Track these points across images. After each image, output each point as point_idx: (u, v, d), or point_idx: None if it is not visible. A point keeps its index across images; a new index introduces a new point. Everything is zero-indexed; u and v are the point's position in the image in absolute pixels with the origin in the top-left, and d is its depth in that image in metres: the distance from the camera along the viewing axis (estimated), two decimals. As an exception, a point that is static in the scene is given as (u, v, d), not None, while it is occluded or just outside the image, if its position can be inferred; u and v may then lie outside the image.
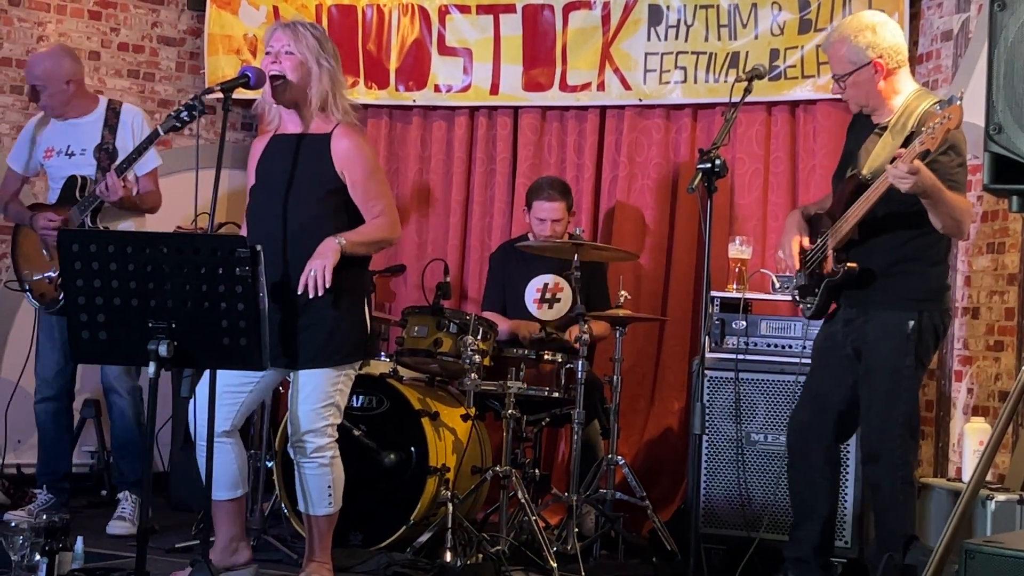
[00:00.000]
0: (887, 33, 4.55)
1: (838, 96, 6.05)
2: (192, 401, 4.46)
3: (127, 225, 5.84)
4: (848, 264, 4.54)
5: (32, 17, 6.91)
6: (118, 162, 5.61)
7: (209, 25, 7.27)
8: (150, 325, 3.70)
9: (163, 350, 3.68)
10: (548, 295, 6.11)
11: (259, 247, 3.70)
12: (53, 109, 5.86)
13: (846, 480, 5.37)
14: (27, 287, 5.85)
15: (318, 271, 4.32)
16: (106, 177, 5.54)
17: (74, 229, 5.47)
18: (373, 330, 4.72)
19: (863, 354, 4.57)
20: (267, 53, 4.54)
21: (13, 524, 4.24)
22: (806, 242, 4.74)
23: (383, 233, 4.60)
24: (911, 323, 4.47)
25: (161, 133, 5.20)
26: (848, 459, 5.37)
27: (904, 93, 4.57)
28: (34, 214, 5.80)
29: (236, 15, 7.26)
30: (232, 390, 4.48)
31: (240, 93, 4.54)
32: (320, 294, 4.34)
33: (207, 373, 4.20)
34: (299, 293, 4.35)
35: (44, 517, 4.32)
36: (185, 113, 4.50)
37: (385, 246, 4.91)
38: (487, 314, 6.18)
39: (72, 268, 3.72)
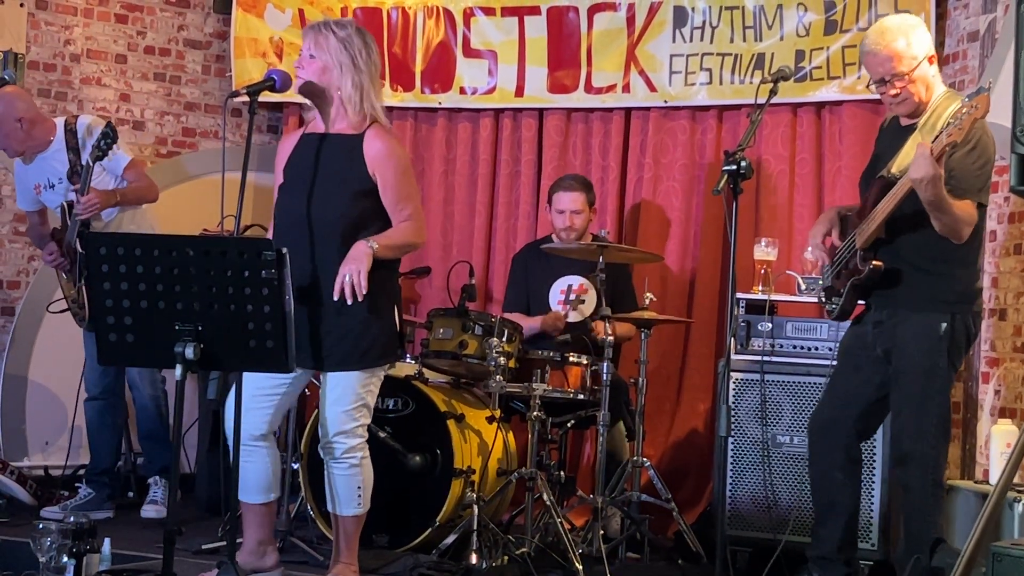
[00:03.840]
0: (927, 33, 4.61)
1: (864, 97, 6.10)
2: (227, 405, 4.46)
3: (118, 219, 5.95)
4: (873, 262, 4.52)
5: (59, 21, 6.95)
6: (75, 186, 5.73)
7: (235, 28, 7.29)
8: (176, 328, 3.71)
9: (190, 352, 3.68)
10: (573, 296, 6.13)
11: (284, 250, 3.71)
12: (14, 150, 5.98)
13: (872, 481, 5.35)
14: (67, 308, 6.08)
15: (354, 275, 4.32)
16: (76, 205, 5.70)
17: (100, 232, 5.53)
18: (400, 331, 4.72)
19: (894, 356, 4.56)
20: (303, 55, 4.56)
21: (42, 526, 4.26)
22: (835, 238, 4.72)
23: (412, 237, 4.59)
24: (943, 325, 4.46)
25: (91, 164, 5.33)
26: (875, 460, 5.35)
27: (936, 94, 4.56)
28: (46, 246, 6.04)
29: (262, 18, 7.28)
30: (266, 393, 4.49)
31: (266, 96, 4.56)
32: (359, 299, 4.34)
33: (241, 376, 4.22)
34: (335, 299, 4.35)
35: (72, 519, 4.34)
36: (103, 142, 4.58)
37: (413, 250, 4.90)
38: (508, 315, 6.19)
39: (99, 271, 3.73)
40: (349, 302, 4.33)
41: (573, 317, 6.12)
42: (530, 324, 6.05)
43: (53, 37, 6.94)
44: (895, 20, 4.65)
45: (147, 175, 6.05)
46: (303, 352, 4.33)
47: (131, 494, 6.52)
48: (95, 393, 6.03)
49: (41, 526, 4.30)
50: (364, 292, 4.33)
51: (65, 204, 5.87)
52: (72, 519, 4.33)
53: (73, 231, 5.80)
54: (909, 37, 4.50)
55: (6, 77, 5.95)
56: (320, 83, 4.49)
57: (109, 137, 4.97)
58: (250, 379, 4.27)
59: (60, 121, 6.01)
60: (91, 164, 5.12)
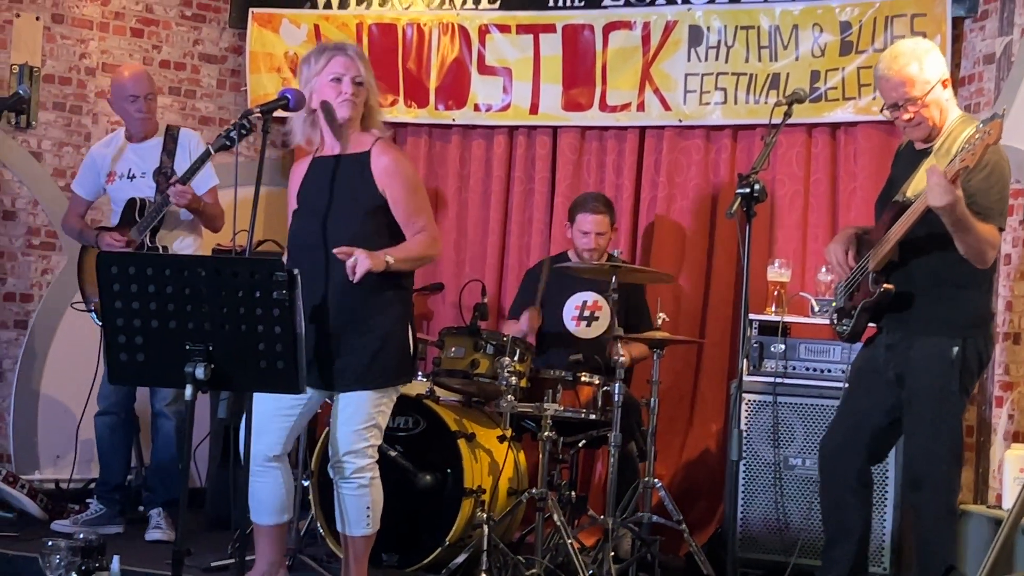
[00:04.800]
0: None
1: (879, 119, 6.07)
2: (241, 425, 4.45)
3: (186, 243, 6.02)
4: (884, 285, 4.50)
5: (75, 35, 6.96)
6: (179, 175, 5.76)
7: (250, 43, 7.31)
8: (187, 347, 3.69)
9: (200, 373, 3.67)
10: (587, 312, 6.11)
11: (296, 271, 3.70)
12: (139, 127, 6.07)
13: (884, 505, 5.34)
14: (91, 307, 5.99)
15: (359, 262, 4.28)
16: (169, 189, 5.72)
17: (114, 251, 5.54)
18: (414, 351, 4.70)
19: (906, 380, 4.53)
20: (334, 79, 4.51)
21: (51, 543, 4.25)
22: (851, 258, 4.70)
23: (425, 249, 4.58)
24: (955, 349, 4.44)
25: (212, 152, 5.26)
26: (887, 484, 5.33)
27: (950, 118, 4.54)
28: (100, 234, 5.96)
29: (277, 33, 7.29)
30: (281, 414, 4.48)
31: (280, 111, 4.55)
32: (352, 280, 4.30)
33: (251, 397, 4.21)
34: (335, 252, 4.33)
35: (81, 535, 4.33)
36: (234, 132, 4.53)
37: (427, 262, 4.88)
38: (508, 322, 6.18)
39: (111, 290, 3.72)
40: (350, 277, 4.30)
41: (587, 333, 6.10)
42: (519, 328, 6.02)
43: (69, 51, 6.95)
44: (908, 45, 4.62)
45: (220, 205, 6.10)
46: (314, 372, 4.32)
47: (141, 508, 6.51)
48: (106, 407, 6.01)
49: (50, 543, 4.28)
50: (356, 280, 4.29)
51: (138, 200, 5.91)
52: (81, 535, 4.34)
53: (145, 228, 5.85)
54: (922, 61, 4.48)
55: (21, 92, 5.96)
56: (360, 108, 4.54)
57: (245, 129, 4.80)
58: (265, 400, 4.25)
59: (162, 124, 6.15)
60: (212, 153, 5.11)
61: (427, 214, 4.63)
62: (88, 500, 6.11)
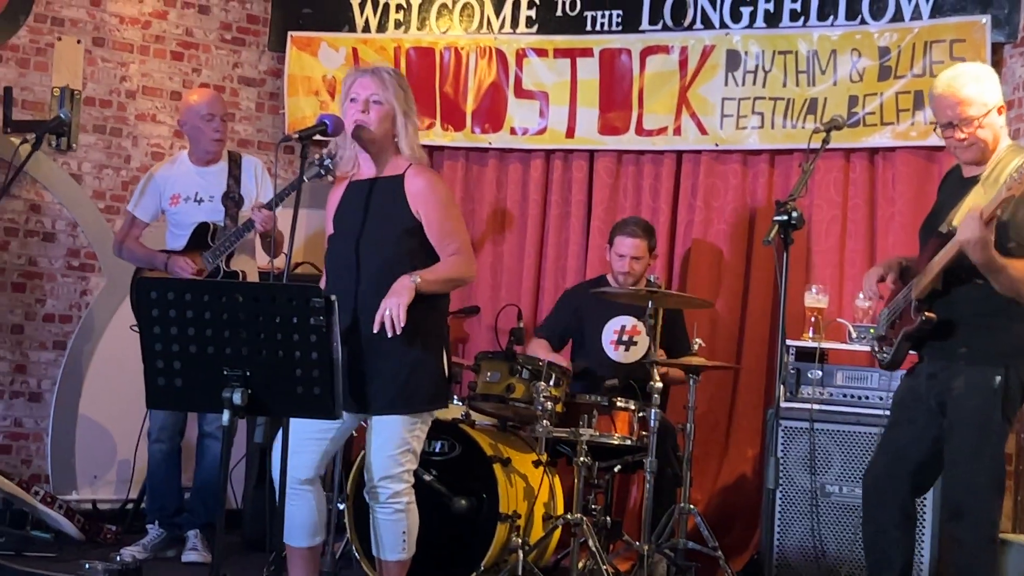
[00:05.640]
0: None
1: (918, 144, 6.05)
2: (274, 448, 4.46)
3: (250, 266, 6.08)
4: (926, 314, 4.48)
5: (115, 58, 7.02)
6: (268, 199, 5.79)
7: (289, 66, 7.36)
8: (225, 373, 3.70)
9: (237, 398, 3.67)
10: (626, 337, 6.10)
11: (333, 297, 3.71)
12: (213, 146, 6.12)
13: (923, 536, 5.29)
14: None
15: (392, 309, 4.28)
16: (253, 212, 5.77)
17: (156, 277, 5.57)
18: (449, 375, 4.69)
19: (948, 409, 4.49)
20: (351, 100, 4.51)
21: (88, 566, 4.28)
22: (891, 281, 4.68)
23: (458, 271, 4.56)
24: (998, 379, 4.40)
25: (305, 180, 5.28)
26: (925, 513, 5.29)
27: (1001, 146, 4.51)
28: (170, 257, 5.98)
29: (316, 57, 7.34)
30: (315, 437, 4.47)
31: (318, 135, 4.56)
32: (397, 333, 4.28)
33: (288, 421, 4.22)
34: (374, 332, 4.32)
35: (119, 559, 4.36)
36: (328, 161, 4.58)
37: (460, 285, 4.87)
38: (537, 341, 6.17)
39: (150, 315, 3.73)
40: (389, 334, 4.29)
41: (625, 358, 6.09)
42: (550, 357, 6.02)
43: (109, 74, 7.01)
44: (970, 66, 4.62)
45: None
46: (349, 396, 4.32)
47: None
48: (163, 436, 6.04)
49: (87, 565, 4.32)
50: (402, 325, 4.28)
51: (211, 225, 5.97)
52: (118, 558, 4.37)
53: (220, 254, 5.91)
54: (982, 84, 4.46)
55: (62, 115, 6.00)
56: (379, 128, 4.50)
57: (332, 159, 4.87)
58: (299, 423, 4.26)
59: (225, 150, 6.21)
60: (305, 181, 5.16)
61: (461, 236, 4.61)
62: (148, 526, 6.07)
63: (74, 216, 6.88)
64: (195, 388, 3.76)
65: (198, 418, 6.02)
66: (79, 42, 6.89)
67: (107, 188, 6.98)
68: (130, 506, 6.58)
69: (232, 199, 5.99)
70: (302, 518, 4.52)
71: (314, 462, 4.53)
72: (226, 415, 3.70)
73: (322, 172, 4.57)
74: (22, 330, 6.75)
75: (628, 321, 6.12)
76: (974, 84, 4.46)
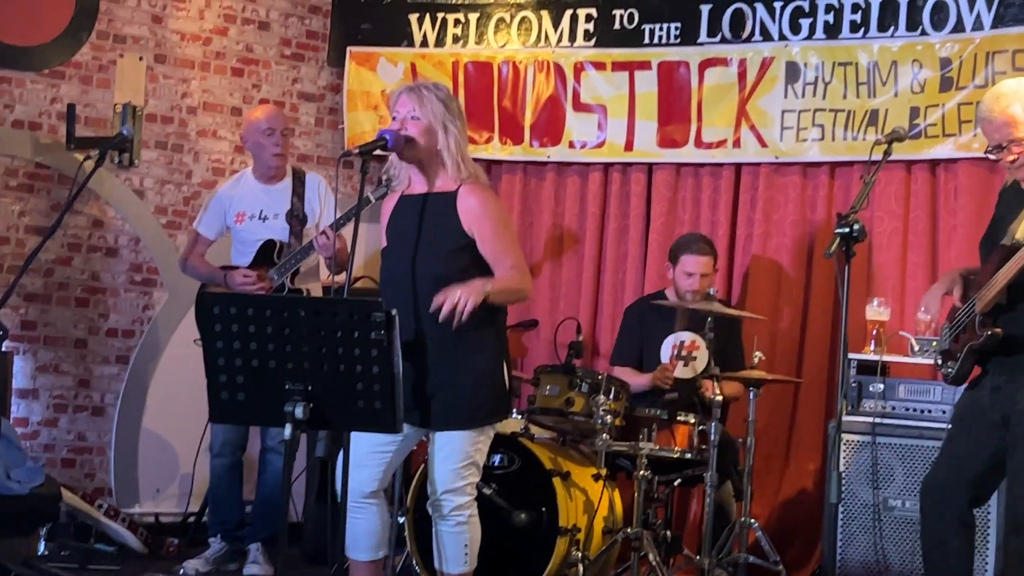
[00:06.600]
0: None
1: (980, 155, 5.98)
2: (338, 462, 4.47)
3: (313, 283, 6.12)
4: (993, 329, 4.43)
5: (177, 74, 7.09)
6: (333, 221, 5.79)
7: (348, 81, 7.40)
8: (287, 387, 3.72)
9: (299, 412, 3.70)
10: (684, 352, 6.07)
11: (394, 311, 3.72)
12: (278, 161, 6.16)
13: (986, 549, 5.24)
14: None
15: (463, 300, 4.23)
16: (317, 235, 5.81)
17: (214, 292, 5.60)
18: (509, 389, 4.69)
19: (1012, 422, 4.45)
20: (393, 118, 4.54)
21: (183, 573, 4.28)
22: (957, 298, 4.64)
23: (520, 284, 4.55)
24: None
25: (372, 200, 5.30)
26: (988, 527, 5.24)
27: None
28: (227, 273, 6.03)
29: (374, 71, 7.38)
30: (379, 450, 4.48)
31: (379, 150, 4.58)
32: (463, 320, 4.23)
33: (349, 435, 4.23)
34: (430, 311, 4.29)
35: (181, 572, 4.39)
36: (396, 182, 4.61)
37: (520, 298, 4.87)
38: (619, 370, 6.15)
39: (212, 330, 3.77)
40: (450, 322, 4.24)
41: (684, 373, 6.07)
42: (639, 382, 6.01)
43: (171, 90, 7.08)
44: (1011, 85, 4.55)
45: None
46: (411, 410, 4.33)
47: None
48: (226, 451, 6.09)
49: (182, 572, 4.31)
50: (464, 320, 4.24)
51: (277, 242, 6.01)
52: (182, 571, 4.39)
53: (285, 272, 5.97)
54: None
55: (124, 132, 6.06)
56: (423, 143, 4.51)
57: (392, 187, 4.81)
58: (361, 437, 4.28)
59: (289, 167, 6.25)
60: (373, 201, 5.14)
61: (516, 252, 4.61)
62: (211, 539, 6.11)
63: (136, 231, 6.95)
64: (257, 402, 3.79)
65: (260, 432, 6.05)
66: (141, 59, 6.95)
67: (169, 204, 7.04)
68: (192, 519, 6.62)
69: (296, 217, 6.03)
70: (366, 532, 4.53)
71: (377, 475, 4.53)
72: (288, 429, 3.72)
73: (387, 191, 4.59)
74: (85, 345, 6.83)
75: (687, 336, 6.09)
76: (1017, 103, 4.42)
